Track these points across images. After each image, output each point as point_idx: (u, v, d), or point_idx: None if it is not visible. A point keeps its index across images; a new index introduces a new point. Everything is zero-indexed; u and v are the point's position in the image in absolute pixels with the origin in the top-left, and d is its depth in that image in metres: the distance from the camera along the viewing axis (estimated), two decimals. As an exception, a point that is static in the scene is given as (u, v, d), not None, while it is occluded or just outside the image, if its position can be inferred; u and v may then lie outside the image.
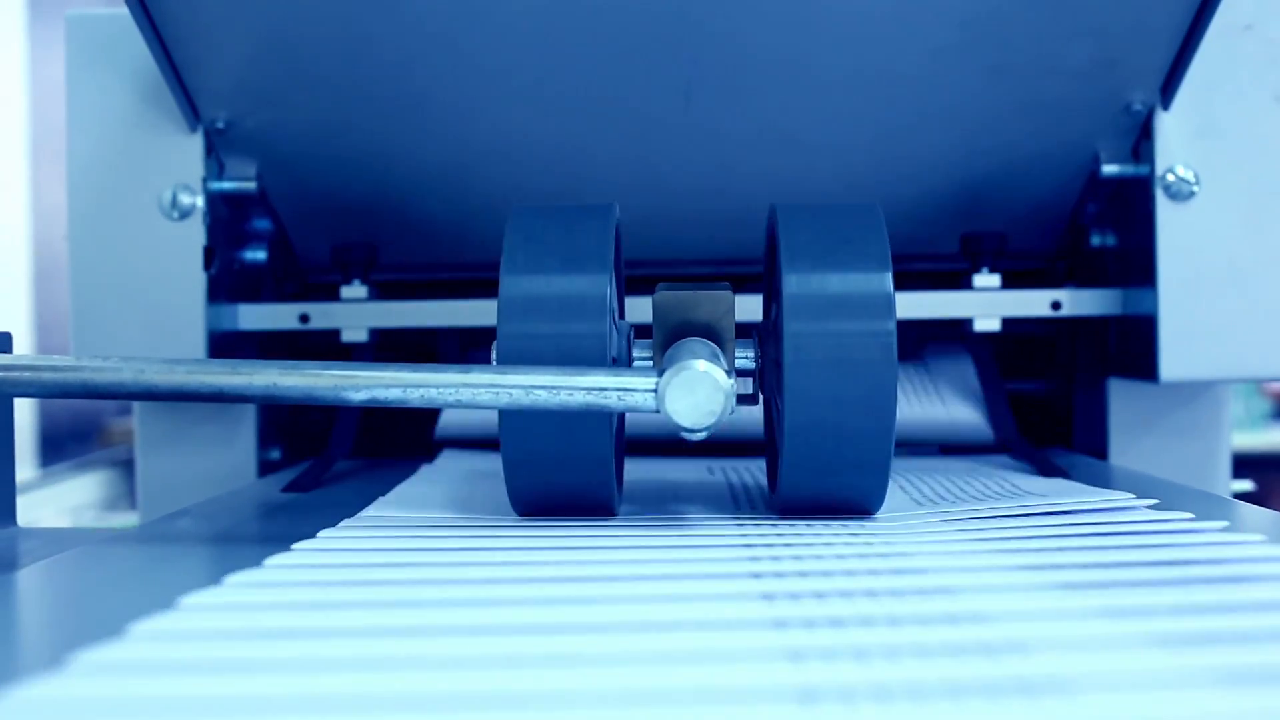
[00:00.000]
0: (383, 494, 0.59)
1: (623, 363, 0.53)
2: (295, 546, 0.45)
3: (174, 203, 0.72)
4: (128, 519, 1.15)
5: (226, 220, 0.75)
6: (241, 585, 0.39)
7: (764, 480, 0.64)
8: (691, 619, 0.36)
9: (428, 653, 0.32)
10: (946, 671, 0.30)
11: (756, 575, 0.41)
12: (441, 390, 0.47)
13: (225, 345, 0.74)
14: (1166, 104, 0.70)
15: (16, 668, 0.30)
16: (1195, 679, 0.30)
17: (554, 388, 0.46)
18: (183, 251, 0.72)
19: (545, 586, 0.40)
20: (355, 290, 0.76)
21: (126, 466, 1.39)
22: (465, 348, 0.82)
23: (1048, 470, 0.65)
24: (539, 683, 0.30)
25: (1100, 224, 0.78)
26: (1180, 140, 0.70)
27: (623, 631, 0.34)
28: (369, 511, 0.54)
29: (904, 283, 0.62)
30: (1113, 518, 0.50)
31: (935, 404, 0.77)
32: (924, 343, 0.84)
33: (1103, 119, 0.71)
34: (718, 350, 0.49)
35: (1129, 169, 0.72)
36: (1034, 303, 0.75)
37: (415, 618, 0.36)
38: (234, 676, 0.30)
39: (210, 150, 0.73)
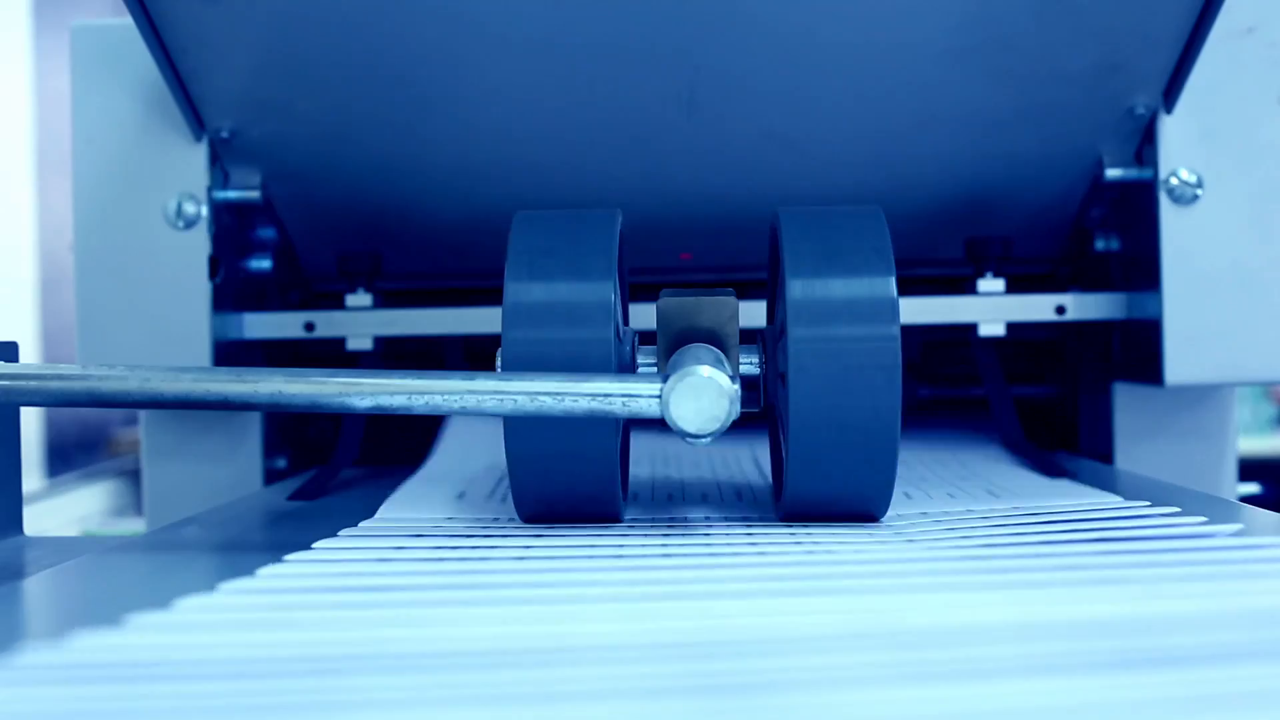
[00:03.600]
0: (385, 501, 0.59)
1: (627, 369, 0.53)
2: (260, 572, 0.42)
3: (179, 212, 0.72)
4: (135, 528, 1.15)
5: (231, 229, 0.75)
6: (194, 609, 0.38)
7: (769, 481, 0.64)
8: (709, 636, 0.35)
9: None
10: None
11: (776, 594, 0.40)
12: (446, 397, 0.47)
13: (230, 354, 0.74)
14: (1169, 108, 0.70)
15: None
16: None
17: (559, 394, 0.46)
18: (188, 261, 0.72)
19: (544, 606, 0.39)
20: (360, 298, 0.76)
21: (133, 476, 1.40)
22: (470, 355, 0.82)
23: (1051, 472, 0.65)
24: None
25: (1104, 228, 0.78)
26: (1183, 144, 0.70)
27: (630, 647, 0.34)
28: (365, 524, 0.54)
29: (908, 288, 0.62)
30: (1129, 525, 0.50)
31: None
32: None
33: (1106, 123, 0.71)
34: (722, 356, 0.49)
35: (1132, 173, 0.72)
36: (1039, 307, 0.75)
37: (403, 632, 0.36)
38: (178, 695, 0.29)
39: (215, 160, 0.73)
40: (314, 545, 0.47)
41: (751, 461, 0.73)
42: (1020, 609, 0.37)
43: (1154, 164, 0.71)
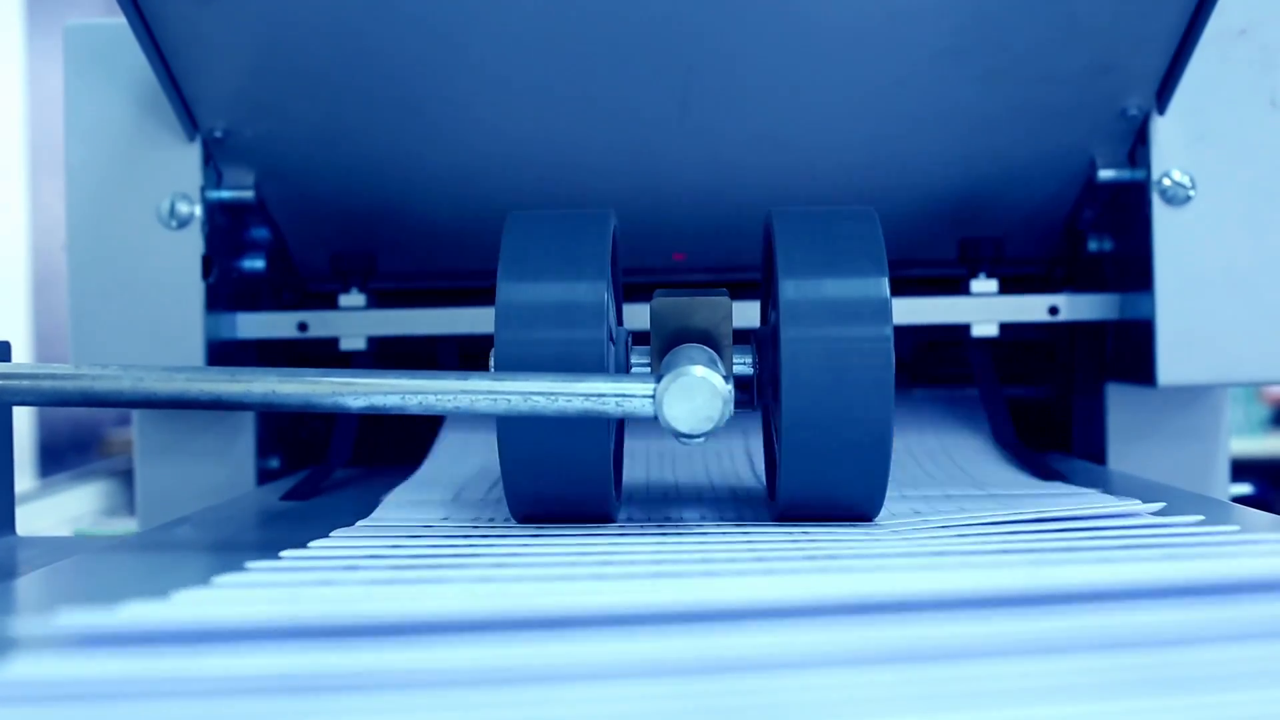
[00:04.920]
0: (381, 502, 0.59)
1: (621, 369, 0.53)
2: (250, 566, 0.42)
3: (172, 212, 0.72)
4: (127, 528, 1.14)
5: (225, 229, 0.75)
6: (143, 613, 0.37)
7: (763, 483, 0.64)
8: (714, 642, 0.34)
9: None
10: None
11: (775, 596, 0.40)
12: (440, 397, 0.47)
13: (224, 354, 0.74)
14: (1162, 109, 0.70)
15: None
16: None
17: (552, 394, 0.46)
18: (181, 260, 0.72)
19: (538, 610, 0.37)
20: (354, 298, 0.76)
21: (126, 477, 1.39)
22: (464, 355, 0.82)
23: (1045, 474, 0.65)
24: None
25: (1097, 229, 0.78)
26: (1176, 145, 0.70)
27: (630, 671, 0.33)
28: (360, 523, 0.54)
29: (901, 288, 0.62)
30: (1119, 523, 0.50)
31: None
32: None
33: (1099, 124, 0.71)
34: (715, 356, 0.49)
35: (1125, 174, 0.73)
36: (1032, 308, 0.75)
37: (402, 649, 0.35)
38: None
39: (208, 159, 0.73)
40: (309, 544, 0.47)
41: (745, 461, 0.73)
42: (1021, 614, 0.37)
43: (1146, 165, 0.71)
